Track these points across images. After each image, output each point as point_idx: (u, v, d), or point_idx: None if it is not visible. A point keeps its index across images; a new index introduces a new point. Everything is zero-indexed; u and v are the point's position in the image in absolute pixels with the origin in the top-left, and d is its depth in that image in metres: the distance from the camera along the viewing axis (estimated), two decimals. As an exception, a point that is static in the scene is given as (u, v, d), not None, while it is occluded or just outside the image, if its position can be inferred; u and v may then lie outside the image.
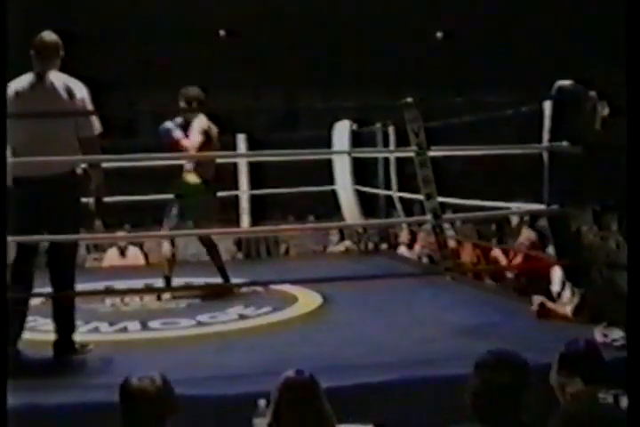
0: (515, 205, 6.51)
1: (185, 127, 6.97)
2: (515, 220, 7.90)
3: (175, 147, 6.86)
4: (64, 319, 5.23)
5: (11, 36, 5.04)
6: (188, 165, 6.99)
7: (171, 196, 7.12)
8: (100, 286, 7.41)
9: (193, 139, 6.87)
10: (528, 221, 8.58)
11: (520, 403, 2.87)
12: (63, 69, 5.19)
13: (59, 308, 5.28)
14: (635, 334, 3.14)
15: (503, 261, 8.55)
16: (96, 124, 5.21)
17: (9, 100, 5.07)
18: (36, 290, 6.71)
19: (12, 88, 5.11)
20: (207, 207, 7.05)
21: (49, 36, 5.18)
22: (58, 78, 5.12)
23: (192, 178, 6.99)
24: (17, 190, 5.00)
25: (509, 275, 8.00)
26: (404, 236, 9.90)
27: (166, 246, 7.22)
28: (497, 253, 8.78)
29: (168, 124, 6.95)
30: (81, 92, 5.13)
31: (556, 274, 6.13)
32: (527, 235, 8.28)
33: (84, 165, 5.39)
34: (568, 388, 3.15)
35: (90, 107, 5.21)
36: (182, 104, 7.04)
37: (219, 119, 7.14)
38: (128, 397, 3.02)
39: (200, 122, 6.95)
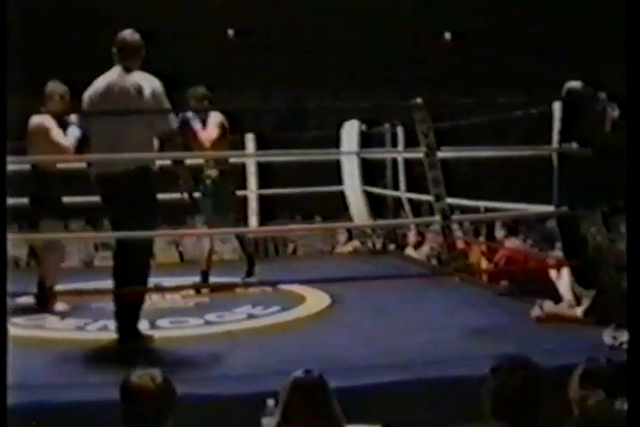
0: (523, 207, 6.50)
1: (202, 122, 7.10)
2: (500, 233, 7.86)
3: (193, 138, 6.96)
4: (126, 312, 5.37)
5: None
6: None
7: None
8: (109, 284, 7.40)
9: (210, 132, 6.99)
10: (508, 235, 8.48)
11: (536, 404, 2.88)
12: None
13: (120, 301, 5.41)
14: (635, 334, 3.14)
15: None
16: (172, 120, 5.35)
17: (90, 98, 5.32)
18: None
19: (94, 86, 5.34)
20: (230, 197, 7.27)
21: (131, 35, 5.37)
22: (136, 76, 5.27)
23: (213, 172, 7.15)
24: (96, 187, 5.35)
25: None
26: (412, 237, 9.89)
27: (206, 243, 7.35)
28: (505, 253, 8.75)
29: (188, 115, 7.02)
30: (155, 89, 5.25)
31: (563, 276, 6.11)
32: (513, 243, 8.17)
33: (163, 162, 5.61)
34: (590, 400, 3.15)
35: (166, 104, 5.32)
36: (193, 103, 7.07)
37: (227, 119, 7.16)
38: (128, 394, 3.01)
39: (216, 116, 7.06)
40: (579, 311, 5.69)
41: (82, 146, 6.17)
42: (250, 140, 8.89)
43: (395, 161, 8.91)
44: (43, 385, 4.39)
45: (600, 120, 5.39)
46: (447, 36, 16.22)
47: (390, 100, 13.61)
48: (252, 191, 8.97)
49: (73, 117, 6.36)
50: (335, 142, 8.98)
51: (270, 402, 3.52)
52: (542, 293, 6.08)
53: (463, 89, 14.52)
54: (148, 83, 5.25)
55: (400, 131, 8.56)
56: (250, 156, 8.97)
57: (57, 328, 5.94)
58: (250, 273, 7.46)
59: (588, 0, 13.28)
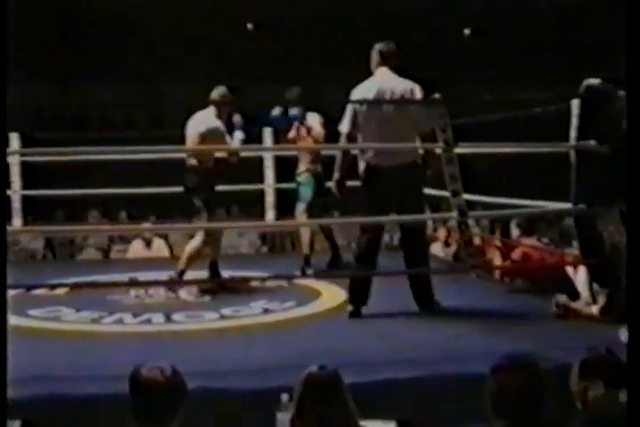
0: (541, 204, 6.47)
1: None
2: (515, 232, 7.82)
3: (300, 134, 7.71)
4: (423, 290, 6.08)
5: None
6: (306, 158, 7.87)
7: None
8: (125, 277, 7.44)
9: (320, 130, 7.75)
10: (522, 233, 8.44)
11: (538, 403, 2.87)
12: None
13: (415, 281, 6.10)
14: (635, 334, 3.13)
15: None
16: (430, 122, 5.90)
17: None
18: (59, 280, 6.79)
19: (364, 89, 6.06)
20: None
21: (391, 45, 6.16)
22: (402, 80, 6.07)
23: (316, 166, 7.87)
24: (369, 177, 6.04)
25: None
26: (441, 233, 9.87)
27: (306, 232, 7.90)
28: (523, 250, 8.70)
29: (294, 111, 7.70)
30: (419, 91, 6.04)
31: (580, 274, 6.09)
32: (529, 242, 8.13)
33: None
34: (590, 392, 3.13)
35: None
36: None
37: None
38: (138, 387, 3.00)
39: (315, 116, 7.80)
40: (595, 309, 5.67)
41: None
42: (267, 134, 8.86)
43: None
44: (57, 377, 4.40)
45: (618, 117, 5.36)
46: (467, 31, 16.18)
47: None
48: (269, 185, 8.97)
49: (237, 121, 7.09)
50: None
51: (285, 397, 3.52)
52: (559, 290, 6.05)
53: (483, 85, 14.49)
54: (413, 85, 6.05)
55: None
56: (267, 150, 8.97)
57: (72, 320, 5.96)
58: (334, 263, 7.92)
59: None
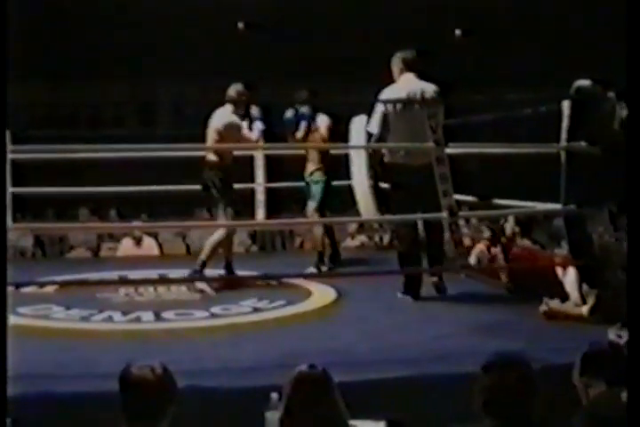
0: (531, 205, 6.48)
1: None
2: (509, 229, 7.83)
3: (308, 133, 7.92)
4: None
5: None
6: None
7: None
8: (115, 275, 7.43)
9: (323, 132, 7.95)
10: (519, 232, 8.44)
11: (529, 402, 2.87)
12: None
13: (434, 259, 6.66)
14: (635, 334, 3.14)
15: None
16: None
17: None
18: (48, 278, 6.77)
19: (393, 90, 6.51)
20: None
21: (413, 53, 6.69)
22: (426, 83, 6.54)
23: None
24: (400, 176, 6.45)
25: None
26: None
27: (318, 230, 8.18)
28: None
29: (303, 110, 7.89)
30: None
31: (570, 274, 6.10)
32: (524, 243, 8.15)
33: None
34: (591, 389, 3.14)
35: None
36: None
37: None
38: (128, 386, 3.00)
39: (325, 118, 7.98)
40: (584, 310, 5.69)
41: (266, 137, 7.40)
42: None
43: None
44: (46, 375, 4.39)
45: (609, 119, 5.38)
46: (458, 32, 16.20)
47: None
48: (259, 184, 8.96)
49: (255, 112, 7.30)
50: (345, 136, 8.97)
51: (274, 396, 3.52)
52: (548, 290, 6.07)
53: (473, 86, 14.51)
54: (436, 88, 6.53)
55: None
56: (258, 148, 8.96)
57: (62, 318, 5.96)
58: (334, 259, 8.14)
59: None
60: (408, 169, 6.37)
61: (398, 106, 6.45)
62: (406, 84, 6.53)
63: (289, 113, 7.95)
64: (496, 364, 2.95)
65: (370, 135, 6.73)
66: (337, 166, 7.97)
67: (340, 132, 7.78)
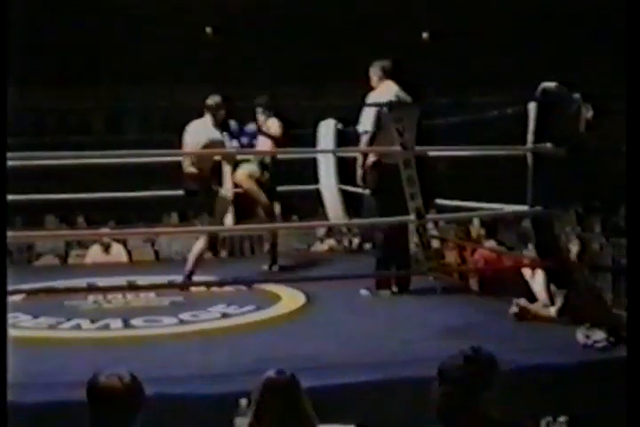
0: (498, 207, 6.50)
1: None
2: (474, 231, 7.87)
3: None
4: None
5: None
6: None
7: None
8: (83, 282, 7.39)
9: (275, 129, 8.01)
10: (485, 234, 8.48)
11: (483, 401, 2.85)
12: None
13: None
14: (635, 334, 3.15)
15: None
16: None
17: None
18: (15, 287, 6.72)
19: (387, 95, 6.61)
20: None
21: (390, 62, 6.95)
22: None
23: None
24: (387, 175, 6.49)
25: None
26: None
27: None
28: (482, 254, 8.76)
29: (251, 126, 8.05)
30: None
31: (537, 275, 6.12)
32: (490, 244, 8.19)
33: None
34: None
35: None
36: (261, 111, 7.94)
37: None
38: (95, 394, 2.97)
39: (275, 120, 8.03)
40: (552, 311, 5.71)
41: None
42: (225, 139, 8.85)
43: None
44: (12, 384, 4.34)
45: (574, 120, 5.41)
46: (425, 35, 16.27)
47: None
48: (227, 190, 8.92)
49: (233, 126, 7.76)
50: (312, 141, 8.97)
51: (243, 402, 3.51)
52: (516, 292, 6.08)
53: (441, 89, 14.56)
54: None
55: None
56: (227, 154, 8.94)
57: (29, 327, 5.91)
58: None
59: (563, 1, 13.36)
60: (395, 168, 6.31)
61: (386, 108, 6.48)
62: (390, 89, 6.77)
63: (233, 124, 8.03)
64: (448, 364, 2.94)
65: (344, 138, 6.82)
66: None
67: (290, 136, 7.93)
